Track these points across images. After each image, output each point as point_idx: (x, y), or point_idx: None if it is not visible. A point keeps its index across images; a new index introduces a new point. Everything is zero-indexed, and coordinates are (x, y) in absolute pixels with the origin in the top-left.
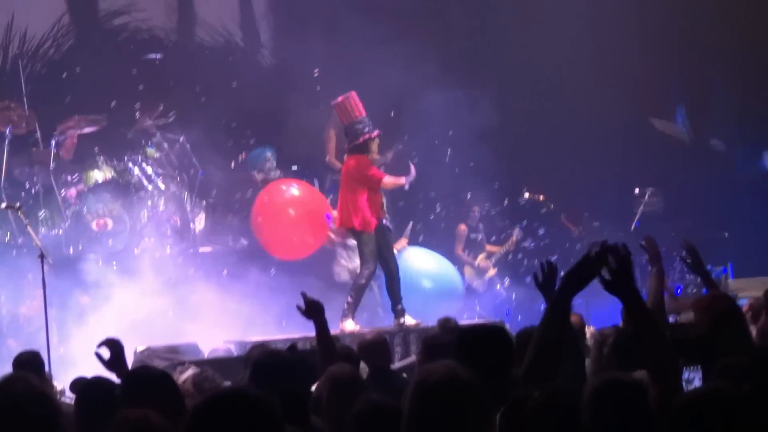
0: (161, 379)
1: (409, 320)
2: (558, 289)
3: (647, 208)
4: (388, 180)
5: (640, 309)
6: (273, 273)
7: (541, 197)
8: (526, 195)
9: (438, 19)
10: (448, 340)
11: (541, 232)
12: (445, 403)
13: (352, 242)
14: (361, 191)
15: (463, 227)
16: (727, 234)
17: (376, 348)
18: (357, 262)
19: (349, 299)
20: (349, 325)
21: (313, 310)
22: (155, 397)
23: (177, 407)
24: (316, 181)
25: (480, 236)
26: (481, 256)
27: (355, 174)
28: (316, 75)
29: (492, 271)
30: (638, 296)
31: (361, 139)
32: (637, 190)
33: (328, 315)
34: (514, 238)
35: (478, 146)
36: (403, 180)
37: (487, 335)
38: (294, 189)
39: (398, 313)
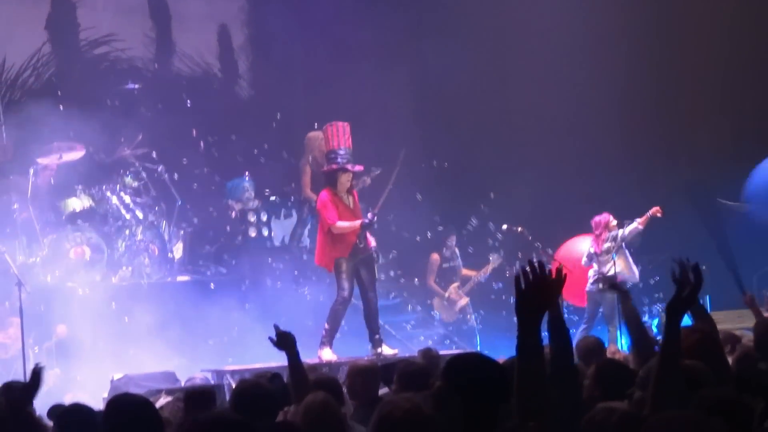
0: (142, 407)
1: (386, 350)
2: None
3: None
4: (341, 225)
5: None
6: (250, 303)
7: (520, 229)
8: (505, 227)
9: (411, 52)
10: (422, 369)
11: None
12: None
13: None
14: (322, 225)
15: (435, 257)
16: (705, 267)
17: (369, 374)
18: None
19: (327, 326)
20: (327, 354)
21: (284, 342)
22: (135, 426)
23: None
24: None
25: (455, 265)
26: (453, 287)
27: (319, 212)
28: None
29: (464, 301)
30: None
31: (325, 168)
32: (615, 222)
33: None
34: (489, 266)
35: (455, 178)
36: (358, 224)
37: (476, 365)
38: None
39: (376, 342)
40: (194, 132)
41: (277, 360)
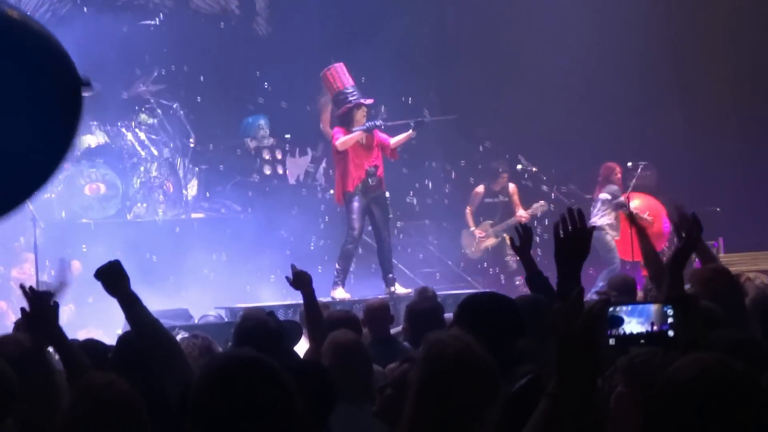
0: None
1: (399, 289)
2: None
3: (640, 182)
4: (343, 139)
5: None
6: (264, 239)
7: (534, 169)
8: (519, 166)
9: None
10: (429, 307)
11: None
12: (461, 378)
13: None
14: (337, 162)
15: (479, 189)
16: (719, 209)
17: (381, 313)
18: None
19: (338, 266)
20: (339, 293)
21: (300, 281)
22: (146, 362)
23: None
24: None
25: (498, 202)
26: (485, 223)
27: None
28: None
29: (490, 241)
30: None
31: (342, 109)
32: (630, 164)
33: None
34: (528, 213)
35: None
36: (359, 133)
37: (490, 302)
38: None
39: (389, 281)
40: (210, 69)
41: (292, 298)
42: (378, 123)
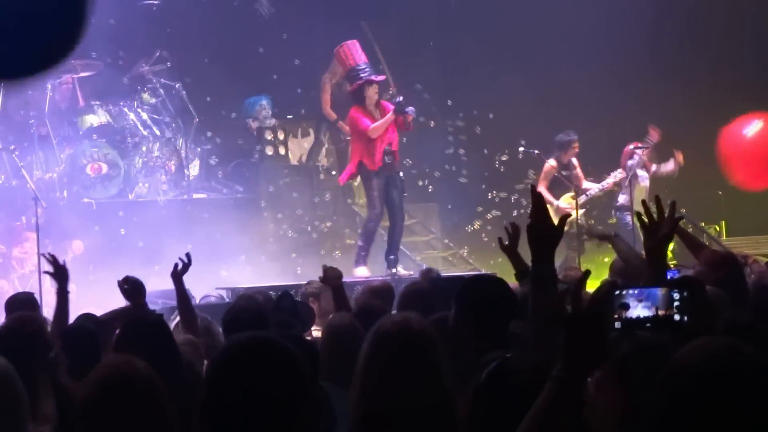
0: (157, 325)
1: (401, 271)
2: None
3: (641, 165)
4: (375, 126)
5: None
6: (266, 220)
7: (537, 152)
8: (521, 150)
9: None
10: (424, 288)
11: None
12: (394, 351)
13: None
14: (355, 142)
15: (551, 164)
16: (720, 192)
17: (383, 294)
18: None
19: (360, 244)
20: (361, 271)
21: (332, 276)
22: (150, 343)
23: (171, 355)
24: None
25: (572, 174)
26: (566, 196)
27: (351, 129)
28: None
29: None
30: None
31: (352, 87)
32: (631, 146)
33: None
34: (613, 180)
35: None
36: (391, 116)
37: (489, 284)
38: None
39: (391, 262)
40: (212, 49)
41: (291, 279)
42: (400, 99)
